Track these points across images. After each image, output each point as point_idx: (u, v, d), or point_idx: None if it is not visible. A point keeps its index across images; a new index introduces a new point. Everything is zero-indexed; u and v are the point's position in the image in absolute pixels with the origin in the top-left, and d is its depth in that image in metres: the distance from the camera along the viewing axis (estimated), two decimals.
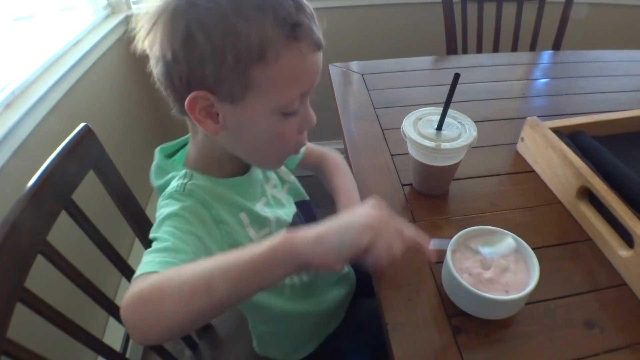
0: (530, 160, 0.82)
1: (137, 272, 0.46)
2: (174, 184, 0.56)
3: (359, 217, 0.47)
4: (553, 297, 0.60)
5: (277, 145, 0.57)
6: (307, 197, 0.78)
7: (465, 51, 1.48)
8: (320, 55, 0.53)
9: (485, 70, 1.19)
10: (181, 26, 0.47)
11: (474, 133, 0.68)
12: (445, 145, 0.66)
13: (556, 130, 0.80)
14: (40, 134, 1.01)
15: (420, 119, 0.71)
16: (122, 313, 0.42)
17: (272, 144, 0.56)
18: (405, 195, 0.76)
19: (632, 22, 1.99)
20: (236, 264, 0.43)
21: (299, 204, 0.75)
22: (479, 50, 1.49)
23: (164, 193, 0.56)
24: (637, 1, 1.93)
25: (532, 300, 0.58)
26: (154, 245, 0.50)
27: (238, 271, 0.43)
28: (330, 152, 0.82)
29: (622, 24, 1.98)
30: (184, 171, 0.58)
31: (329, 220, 0.47)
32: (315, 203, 0.79)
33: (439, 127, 0.69)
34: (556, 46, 1.51)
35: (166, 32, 0.48)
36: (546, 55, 1.36)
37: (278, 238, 0.44)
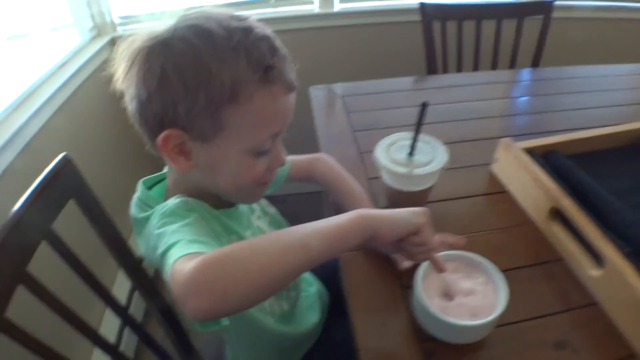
0: (504, 181, 0.84)
1: (175, 256, 0.44)
2: (172, 202, 0.56)
3: (412, 208, 0.56)
4: (525, 318, 0.62)
5: (247, 182, 0.58)
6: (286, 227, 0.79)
7: (445, 70, 1.51)
8: (292, 96, 0.55)
9: (465, 90, 1.22)
10: (156, 67, 0.49)
11: (445, 158, 0.70)
12: (417, 171, 0.68)
13: (530, 151, 0.81)
14: (21, 162, 1.02)
15: (393, 144, 0.73)
16: (189, 280, 0.40)
17: (242, 182, 0.58)
18: None
19: (610, 36, 2.03)
20: (327, 228, 0.48)
21: None
22: (459, 69, 1.51)
23: (163, 212, 0.55)
24: (613, 14, 1.98)
25: (503, 322, 0.59)
26: (177, 246, 0.47)
27: (329, 233, 0.48)
28: (319, 158, 0.82)
29: (599, 39, 2.02)
30: (176, 197, 0.58)
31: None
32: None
33: (411, 153, 0.71)
34: (535, 63, 1.54)
35: (142, 73, 0.50)
36: (525, 73, 1.39)
37: (353, 214, 0.50)
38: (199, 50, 0.48)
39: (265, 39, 0.51)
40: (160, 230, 0.52)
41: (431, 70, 1.49)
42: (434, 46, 1.48)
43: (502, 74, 1.36)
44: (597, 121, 0.99)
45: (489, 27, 1.50)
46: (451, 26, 1.47)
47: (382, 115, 1.08)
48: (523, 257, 0.70)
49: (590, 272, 0.64)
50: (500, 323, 0.58)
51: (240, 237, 0.63)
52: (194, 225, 0.52)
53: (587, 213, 0.68)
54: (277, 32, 0.55)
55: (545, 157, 0.82)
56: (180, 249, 0.46)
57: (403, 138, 0.73)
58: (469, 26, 1.48)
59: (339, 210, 0.72)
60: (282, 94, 0.53)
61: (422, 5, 1.43)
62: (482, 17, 1.49)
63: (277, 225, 0.77)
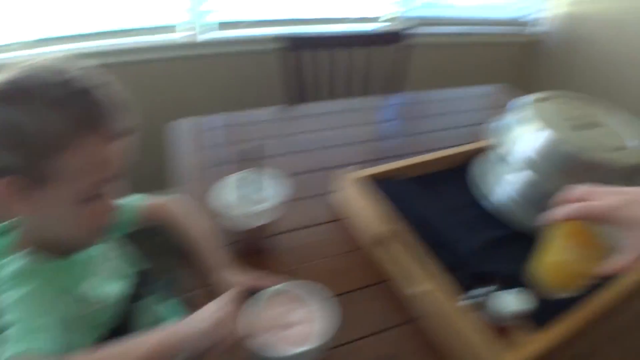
0: (344, 208, 0.90)
1: (9, 352, 0.48)
2: (16, 264, 0.57)
3: (217, 315, 0.56)
4: (359, 337, 0.68)
5: (81, 227, 0.60)
6: (143, 267, 0.78)
7: (306, 100, 1.59)
8: (123, 142, 0.57)
9: (320, 119, 1.28)
10: None
11: (282, 193, 0.74)
12: (253, 209, 0.71)
13: (370, 178, 0.89)
14: None
15: (234, 183, 0.75)
16: None
17: (76, 227, 0.59)
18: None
19: (467, 59, 2.32)
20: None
21: (136, 274, 0.75)
22: (318, 98, 1.60)
23: (6, 274, 0.56)
24: (468, 39, 2.27)
25: (340, 342, 0.65)
26: (14, 337, 0.50)
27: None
28: (171, 201, 0.82)
29: (457, 63, 2.29)
30: (18, 253, 0.58)
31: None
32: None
33: (249, 191, 0.74)
34: (396, 88, 1.69)
35: None
36: (381, 100, 1.52)
37: (163, 339, 0.53)
38: (26, 101, 0.51)
39: (84, 91, 0.53)
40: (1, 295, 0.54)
41: (293, 100, 1.56)
42: (302, 76, 1.56)
43: (363, 101, 1.46)
44: (444, 143, 1.09)
45: (343, 56, 1.61)
46: (311, 56, 1.55)
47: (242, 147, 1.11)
48: (356, 281, 0.76)
49: (413, 289, 0.72)
50: (337, 344, 0.64)
51: (92, 283, 0.64)
52: (35, 297, 0.54)
53: (422, 234, 0.77)
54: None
55: (385, 183, 0.91)
56: (16, 342, 0.49)
57: (243, 177, 0.76)
58: (323, 56, 1.57)
59: None
60: (111, 140, 0.55)
61: (281, 36, 1.49)
62: (335, 46, 1.60)
63: (131, 264, 0.76)
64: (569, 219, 0.54)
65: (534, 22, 2.47)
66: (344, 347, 0.65)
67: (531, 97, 0.93)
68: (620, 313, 0.71)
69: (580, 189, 0.55)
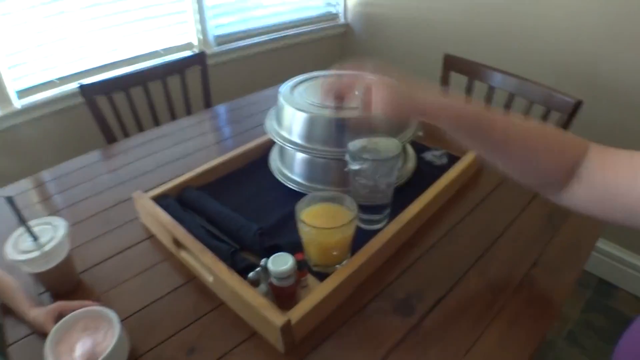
0: (148, 227, 0.96)
1: None
2: None
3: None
4: (165, 338, 0.73)
5: None
6: None
7: (127, 134, 1.62)
8: None
9: (136, 151, 1.32)
10: None
11: (62, 232, 0.78)
12: (40, 252, 0.75)
13: (163, 195, 0.96)
14: None
15: (18, 237, 0.78)
16: None
17: None
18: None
19: (272, 65, 2.44)
20: None
21: None
22: (141, 129, 1.64)
23: None
24: (268, 46, 2.37)
25: (145, 349, 0.70)
26: None
27: None
28: None
29: (264, 70, 2.42)
30: None
31: None
32: None
33: (35, 238, 0.77)
34: (208, 105, 1.77)
35: None
36: (195, 117, 1.58)
37: None
38: None
39: None
40: None
41: (112, 139, 1.59)
42: (108, 118, 1.58)
43: (180, 122, 1.50)
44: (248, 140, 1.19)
45: (146, 90, 1.65)
46: (108, 98, 1.57)
47: (62, 198, 1.13)
48: (162, 287, 0.82)
49: (209, 280, 0.79)
50: (143, 351, 0.70)
51: None
52: None
53: (212, 230, 0.87)
54: None
55: (179, 195, 0.98)
56: None
57: (22, 232, 0.78)
58: (121, 96, 1.60)
59: None
60: None
61: (82, 86, 1.50)
62: (146, 80, 1.64)
63: None
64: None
65: (341, 14, 2.64)
66: (149, 353, 0.71)
67: (286, 83, 1.06)
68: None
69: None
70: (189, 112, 1.74)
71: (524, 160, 0.62)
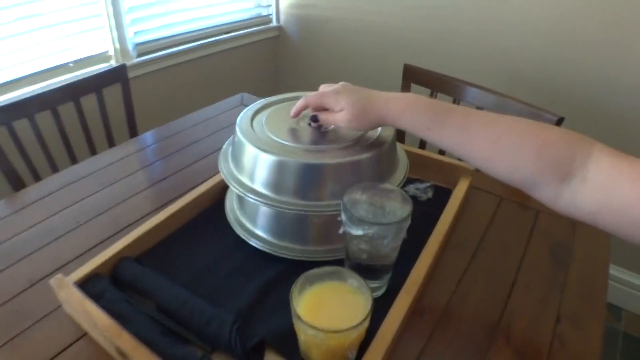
0: (82, 325, 0.70)
1: None
2: None
3: None
4: None
5: None
6: None
7: (37, 177, 1.32)
8: None
9: (56, 198, 1.04)
10: None
11: None
12: None
13: (92, 275, 0.72)
14: None
15: None
16: None
17: None
18: None
19: (202, 75, 2.19)
20: None
21: None
22: (54, 169, 1.35)
23: None
24: (193, 55, 2.12)
25: None
26: None
27: None
28: None
29: (192, 81, 2.16)
30: None
31: None
32: None
33: None
34: (133, 133, 1.50)
35: None
36: (121, 149, 1.31)
37: None
38: None
39: None
40: None
41: (17, 183, 1.28)
42: (8, 159, 1.27)
43: (102, 157, 1.23)
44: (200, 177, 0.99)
45: (69, 111, 1.37)
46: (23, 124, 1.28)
47: None
48: None
49: None
50: None
51: None
52: None
53: (169, 324, 0.65)
54: None
55: (114, 272, 0.75)
56: None
57: None
58: (44, 118, 1.32)
59: None
60: None
61: None
62: (55, 103, 1.35)
63: None
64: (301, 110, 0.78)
65: (273, 17, 2.46)
66: None
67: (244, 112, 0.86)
68: None
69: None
70: (110, 142, 1.46)
71: (494, 153, 0.58)
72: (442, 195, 0.98)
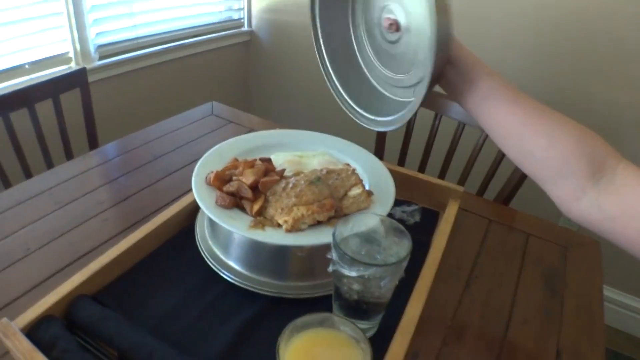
0: None
1: None
2: None
3: None
4: None
5: None
6: None
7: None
8: None
9: (5, 220, 0.93)
10: None
11: None
12: None
13: (44, 318, 0.62)
14: None
15: None
16: None
17: None
18: None
19: (177, 78, 2.09)
20: None
21: None
22: (6, 182, 1.22)
23: None
24: (176, 54, 2.02)
25: None
26: None
27: None
28: None
29: (167, 84, 2.05)
30: None
31: None
32: None
33: None
34: (94, 144, 1.38)
35: None
36: (82, 163, 1.20)
37: None
38: None
39: None
40: None
41: None
42: None
43: (58, 172, 1.11)
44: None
45: (22, 119, 1.25)
46: None
47: None
48: None
49: None
50: None
51: None
52: None
53: None
54: None
55: (69, 313, 0.65)
56: None
57: None
58: None
59: None
60: None
61: None
62: (7, 108, 1.22)
63: None
64: None
65: (244, 21, 2.38)
66: None
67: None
68: None
69: None
70: (68, 153, 1.34)
71: (539, 121, 0.55)
72: (430, 218, 0.93)
